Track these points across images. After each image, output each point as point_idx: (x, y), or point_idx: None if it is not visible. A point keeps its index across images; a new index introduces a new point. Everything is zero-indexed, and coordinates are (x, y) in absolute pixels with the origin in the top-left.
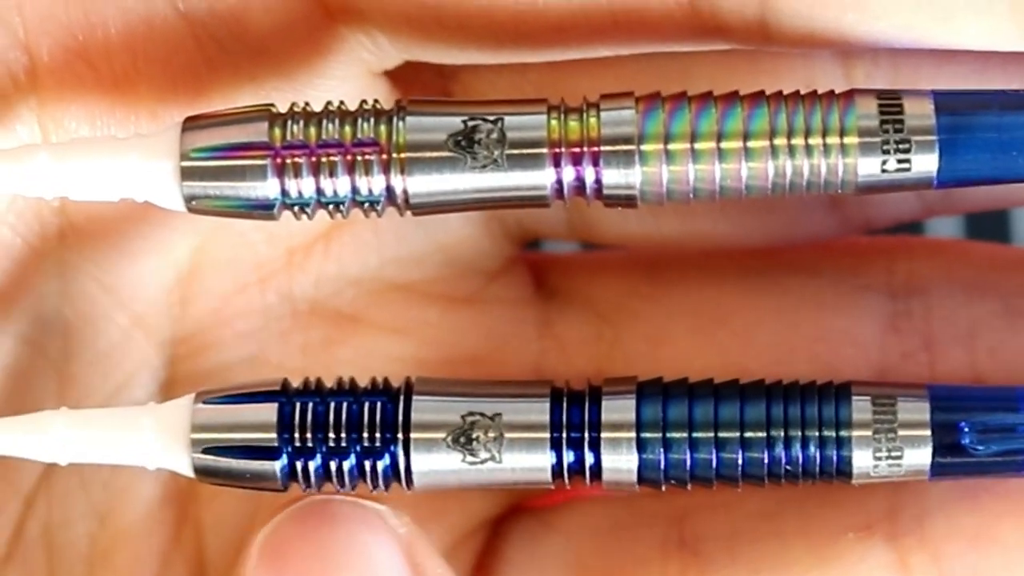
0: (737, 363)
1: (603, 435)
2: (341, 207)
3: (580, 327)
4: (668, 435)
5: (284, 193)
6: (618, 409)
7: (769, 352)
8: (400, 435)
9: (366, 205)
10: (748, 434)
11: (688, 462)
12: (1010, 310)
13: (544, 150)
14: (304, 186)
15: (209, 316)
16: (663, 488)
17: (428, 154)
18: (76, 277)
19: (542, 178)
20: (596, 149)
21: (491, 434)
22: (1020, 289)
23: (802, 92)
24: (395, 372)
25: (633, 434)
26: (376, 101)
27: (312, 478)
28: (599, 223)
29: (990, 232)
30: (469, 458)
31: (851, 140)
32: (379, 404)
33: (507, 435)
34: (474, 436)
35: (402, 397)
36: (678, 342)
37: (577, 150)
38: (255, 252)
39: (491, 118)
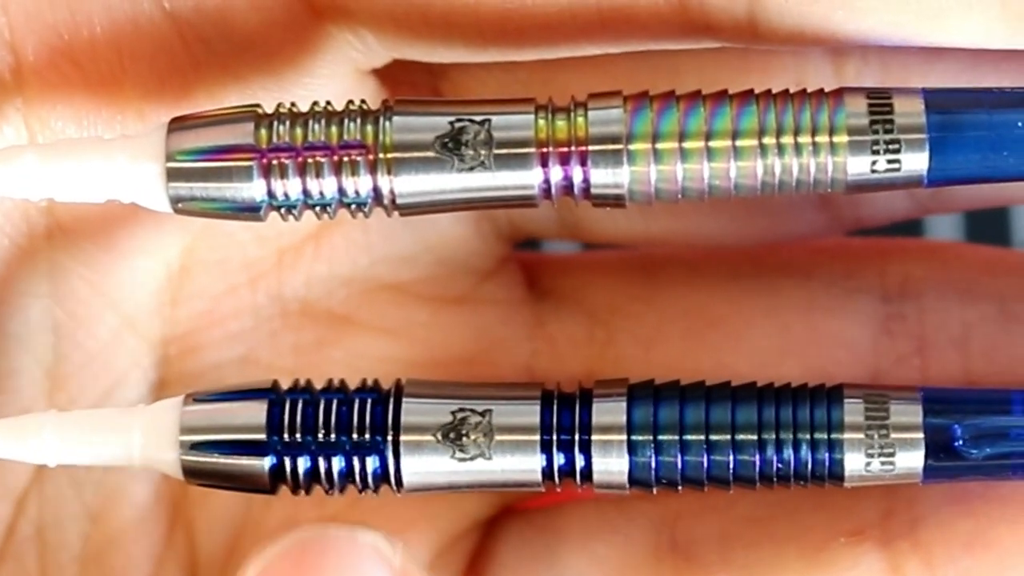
0: (729, 365)
1: (594, 437)
2: (328, 208)
3: (572, 328)
4: (659, 437)
5: (271, 194)
6: (609, 411)
7: (761, 355)
8: (390, 436)
9: (353, 206)
10: (740, 436)
11: (679, 464)
12: (1005, 314)
13: (532, 150)
14: (291, 187)
15: (199, 317)
16: (654, 491)
17: (415, 155)
18: (66, 277)
19: (530, 178)
20: (584, 149)
21: (481, 431)
22: (1015, 292)
23: (792, 90)
24: (386, 373)
25: (624, 436)
26: (363, 101)
27: (300, 479)
28: (589, 222)
29: (990, 233)
30: (459, 454)
31: (840, 139)
32: (369, 405)
33: (497, 437)
34: (464, 432)
35: (392, 398)
36: (670, 344)
37: (565, 150)
38: (245, 252)
39: (478, 119)
